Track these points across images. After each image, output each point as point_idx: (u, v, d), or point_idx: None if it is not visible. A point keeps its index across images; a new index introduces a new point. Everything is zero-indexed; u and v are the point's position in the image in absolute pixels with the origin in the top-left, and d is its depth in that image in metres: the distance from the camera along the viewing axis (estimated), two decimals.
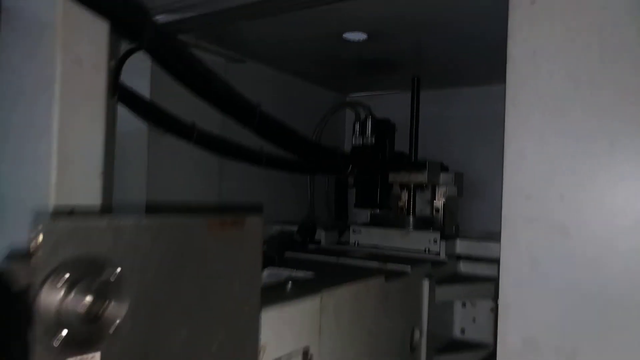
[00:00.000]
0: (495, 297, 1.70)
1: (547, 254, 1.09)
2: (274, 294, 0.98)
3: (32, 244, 0.48)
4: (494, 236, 1.21)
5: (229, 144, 1.59)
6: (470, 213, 2.45)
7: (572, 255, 1.06)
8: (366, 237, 2.04)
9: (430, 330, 1.63)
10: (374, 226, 2.10)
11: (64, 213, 0.73)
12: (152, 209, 1.60)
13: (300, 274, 1.29)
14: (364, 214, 2.33)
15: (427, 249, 1.90)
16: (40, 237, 0.48)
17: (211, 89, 1.26)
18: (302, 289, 1.07)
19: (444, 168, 2.24)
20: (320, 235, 2.08)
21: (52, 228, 0.49)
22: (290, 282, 1.08)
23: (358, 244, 2.03)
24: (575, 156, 1.07)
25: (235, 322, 0.73)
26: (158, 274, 0.60)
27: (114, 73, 1.04)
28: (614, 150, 1.03)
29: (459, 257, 1.93)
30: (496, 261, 1.87)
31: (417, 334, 1.57)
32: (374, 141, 2.19)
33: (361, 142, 2.18)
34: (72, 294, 0.51)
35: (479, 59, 2.12)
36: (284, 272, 1.30)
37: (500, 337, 1.14)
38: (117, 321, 0.55)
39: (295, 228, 1.98)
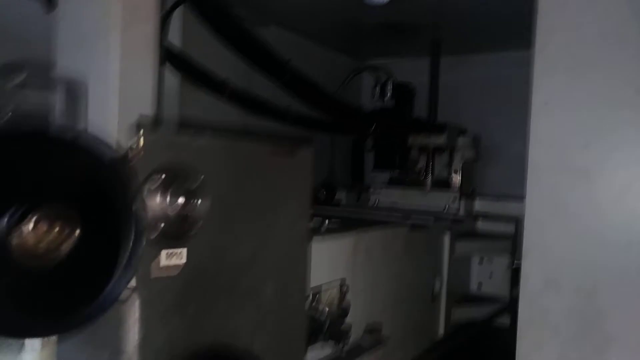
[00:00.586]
0: (512, 253, 1.77)
1: (570, 198, 1.15)
2: (311, 233, 1.05)
3: (134, 149, 0.55)
4: (509, 197, 1.25)
5: (259, 101, 1.65)
6: (484, 177, 2.50)
7: (594, 200, 1.12)
8: (386, 196, 2.10)
9: (449, 282, 1.70)
10: (393, 186, 2.16)
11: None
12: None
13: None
14: (380, 178, 2.37)
15: (446, 207, 1.97)
16: (141, 143, 0.55)
17: (247, 43, 1.31)
18: (336, 231, 1.14)
19: (463, 131, 2.28)
20: (341, 195, 2.14)
21: (152, 137, 0.56)
22: (326, 222, 1.15)
23: (378, 202, 2.09)
24: (600, 105, 1.12)
25: (290, 241, 0.80)
26: (229, 187, 0.67)
27: (162, 25, 1.09)
28: (638, 101, 1.08)
29: (477, 216, 2.00)
30: (513, 219, 1.94)
31: (437, 284, 1.65)
32: (393, 104, 2.23)
33: (381, 106, 2.23)
34: (166, 196, 0.58)
35: (499, 23, 2.14)
36: (315, 219, 1.36)
37: (523, 278, 1.21)
38: (200, 222, 0.62)
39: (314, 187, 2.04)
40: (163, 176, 0.57)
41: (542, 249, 1.17)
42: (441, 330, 1.70)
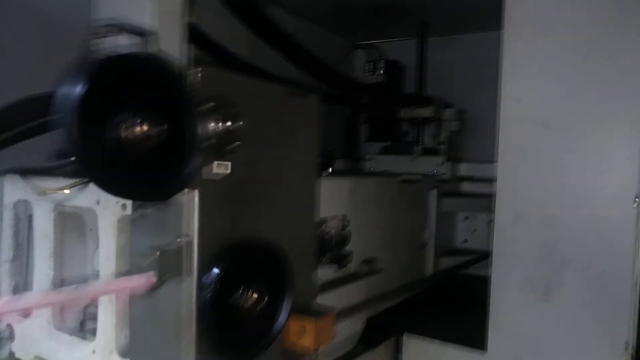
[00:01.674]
0: (493, 210, 2.00)
1: (533, 146, 1.36)
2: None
3: (192, 81, 0.75)
4: (491, 162, 1.45)
5: (264, 72, 1.84)
6: (471, 146, 2.70)
7: (553, 146, 1.34)
8: (380, 163, 2.31)
9: (437, 234, 1.92)
10: (386, 155, 2.37)
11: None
12: None
13: None
14: (374, 148, 2.57)
15: (434, 171, 2.18)
16: (199, 77, 0.75)
17: (256, 16, 1.50)
18: (339, 174, 1.35)
19: (448, 105, 2.49)
20: (339, 164, 2.35)
21: (206, 72, 0.76)
22: (329, 170, 1.35)
23: (373, 169, 2.30)
24: (559, 66, 1.34)
25: (303, 169, 1.01)
26: (257, 117, 0.88)
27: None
28: (587, 60, 1.29)
29: (461, 178, 2.22)
30: (494, 180, 2.15)
31: (426, 234, 1.87)
32: (385, 80, 2.44)
33: (373, 81, 2.43)
34: (216, 118, 0.78)
35: (484, 5, 2.33)
36: None
37: (496, 215, 1.43)
38: (238, 142, 0.82)
39: None
40: (212, 103, 0.77)
41: (511, 189, 1.39)
42: (430, 271, 1.92)
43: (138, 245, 0.84)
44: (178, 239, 0.79)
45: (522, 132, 1.37)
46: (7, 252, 1.14)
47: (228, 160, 0.82)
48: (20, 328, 1.13)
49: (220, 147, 0.80)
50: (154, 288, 0.73)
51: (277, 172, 0.94)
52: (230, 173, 0.83)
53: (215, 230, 0.81)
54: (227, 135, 0.80)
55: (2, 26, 1.44)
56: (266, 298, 0.87)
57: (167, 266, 0.74)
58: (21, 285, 1.16)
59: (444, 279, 1.98)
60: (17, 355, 1.13)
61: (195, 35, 1.61)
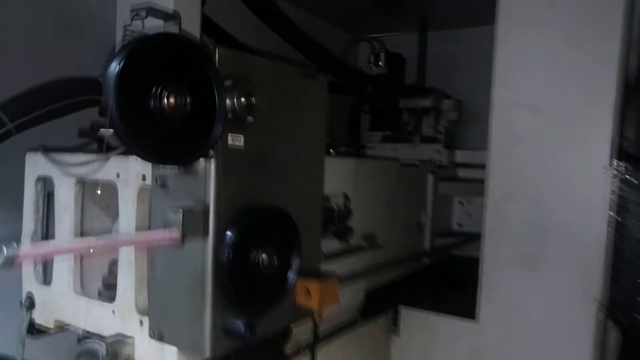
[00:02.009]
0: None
1: (524, 129, 1.46)
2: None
3: (215, 59, 0.84)
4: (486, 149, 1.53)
5: (274, 57, 1.93)
6: (468, 138, 2.79)
7: (541, 130, 1.43)
8: (380, 151, 2.40)
9: (434, 217, 2.01)
10: (386, 143, 2.46)
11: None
12: None
13: None
14: (375, 137, 2.66)
15: (432, 159, 2.27)
16: (217, 57, 0.84)
17: (261, 2, 1.58)
18: (342, 155, 1.44)
19: (447, 96, 2.58)
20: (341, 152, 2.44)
21: (224, 52, 0.85)
22: (332, 151, 1.44)
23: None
24: (548, 56, 1.43)
25: (312, 146, 1.10)
26: (270, 95, 0.96)
27: None
28: (573, 50, 1.38)
29: (458, 165, 2.31)
30: None
31: (423, 217, 1.96)
32: (387, 71, 2.52)
33: (375, 72, 2.52)
34: (233, 94, 0.87)
35: (481, 0, 2.42)
36: None
37: (488, 193, 1.52)
38: (253, 117, 0.91)
39: None
40: (230, 81, 0.86)
41: (501, 169, 1.49)
42: (426, 258, 2.01)
43: (159, 211, 0.93)
44: (197, 204, 0.88)
45: (513, 117, 1.46)
46: (29, 226, 1.24)
47: (242, 134, 0.91)
48: (41, 296, 1.22)
49: (236, 121, 0.89)
50: (176, 244, 0.82)
51: (288, 147, 1.03)
52: (245, 146, 0.92)
53: (230, 196, 0.90)
54: (242, 111, 0.89)
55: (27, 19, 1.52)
56: (277, 260, 0.96)
57: (189, 225, 0.83)
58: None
59: (440, 258, 2.07)
60: (37, 321, 1.23)
61: (206, 25, 1.70)
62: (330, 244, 1.34)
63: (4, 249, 0.57)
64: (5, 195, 1.38)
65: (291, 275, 0.99)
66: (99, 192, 1.11)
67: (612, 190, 1.16)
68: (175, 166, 0.89)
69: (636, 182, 0.96)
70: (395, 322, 1.72)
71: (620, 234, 1.01)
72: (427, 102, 2.46)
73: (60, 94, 1.25)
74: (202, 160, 0.87)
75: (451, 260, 2.21)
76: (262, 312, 0.97)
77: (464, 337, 1.59)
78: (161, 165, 0.91)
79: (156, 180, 0.93)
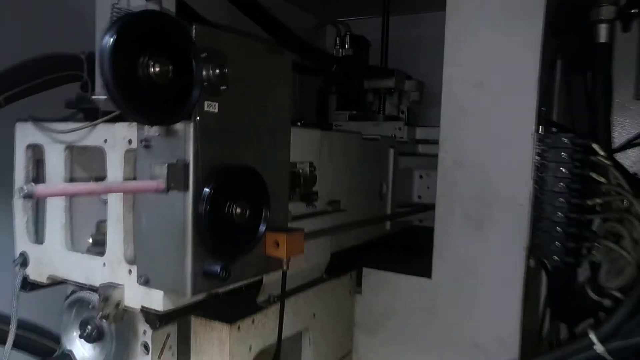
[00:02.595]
0: None
1: (470, 103, 1.63)
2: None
3: (192, 34, 0.96)
4: None
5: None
6: (429, 118, 2.97)
7: (485, 103, 1.60)
8: (346, 129, 2.55)
9: (395, 188, 2.18)
10: (352, 121, 2.61)
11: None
12: None
13: None
14: (342, 117, 2.81)
15: (394, 135, 2.43)
16: (194, 32, 0.97)
17: None
18: (308, 126, 1.58)
19: (409, 77, 2.74)
20: None
21: (200, 28, 0.98)
22: (300, 122, 1.58)
23: None
24: (492, 35, 1.59)
25: (278, 115, 1.23)
26: (240, 67, 1.09)
27: None
28: (512, 29, 1.54)
29: (418, 141, 2.48)
30: None
31: (384, 187, 2.13)
32: (351, 53, 2.66)
33: (341, 54, 2.66)
34: (208, 66, 1.00)
35: None
36: None
37: (440, 162, 1.69)
38: (226, 86, 1.04)
39: None
40: (206, 54, 0.99)
41: (451, 139, 1.65)
42: (388, 226, 2.19)
43: (144, 169, 1.05)
44: (178, 162, 1.01)
45: (461, 91, 1.63)
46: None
47: (217, 101, 1.04)
48: (34, 253, 1.33)
49: (210, 89, 1.02)
50: (161, 193, 0.95)
51: (257, 114, 1.16)
52: (219, 111, 1.05)
53: (206, 155, 1.03)
54: (216, 80, 1.02)
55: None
56: (248, 212, 1.10)
57: (173, 177, 0.96)
58: (31, 218, 1.36)
59: (400, 228, 2.25)
60: (31, 277, 1.34)
61: (180, 6, 1.80)
62: (297, 207, 1.48)
63: (26, 186, 0.70)
64: None
65: (261, 226, 1.14)
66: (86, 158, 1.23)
67: (536, 152, 1.33)
68: (158, 129, 1.01)
69: (552, 143, 1.13)
70: (358, 282, 1.88)
71: (541, 188, 1.18)
72: (389, 83, 2.61)
73: (45, 69, 1.36)
74: (181, 123, 1.00)
75: (411, 229, 2.39)
76: (237, 258, 1.11)
77: (421, 294, 1.76)
78: (145, 128, 1.03)
79: (141, 142, 1.05)
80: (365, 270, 1.87)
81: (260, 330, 1.35)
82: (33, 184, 0.72)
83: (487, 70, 1.55)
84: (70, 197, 1.29)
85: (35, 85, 1.35)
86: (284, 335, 1.34)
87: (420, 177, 2.45)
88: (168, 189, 0.95)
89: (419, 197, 2.46)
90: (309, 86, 2.91)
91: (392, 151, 2.15)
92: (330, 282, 1.70)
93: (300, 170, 1.44)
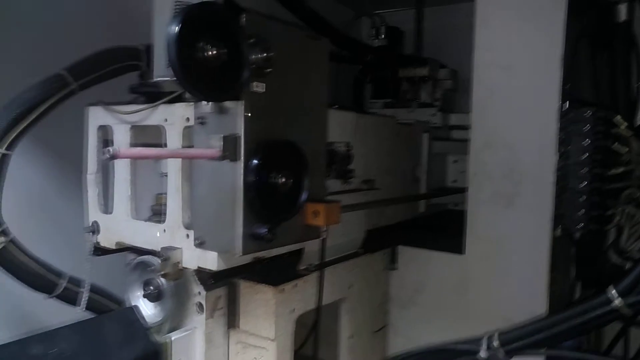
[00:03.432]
0: None
1: (499, 86, 1.70)
2: None
3: (242, 22, 1.09)
4: None
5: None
6: (463, 105, 3.02)
7: (514, 86, 1.67)
8: None
9: (429, 172, 2.27)
10: (387, 109, 2.70)
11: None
12: None
13: None
14: (377, 105, 2.89)
15: (428, 121, 2.52)
16: (243, 21, 1.10)
17: None
18: (343, 109, 1.69)
19: (443, 65, 2.80)
20: None
21: (247, 17, 1.11)
22: (336, 106, 1.69)
23: None
24: (518, 20, 1.66)
25: (317, 97, 1.35)
26: (282, 52, 1.22)
27: None
28: (542, 19, 1.60)
29: (452, 127, 2.55)
30: None
31: (418, 170, 2.22)
32: (386, 44, 2.76)
33: (376, 44, 2.76)
34: (256, 50, 1.13)
35: None
36: None
37: (471, 143, 1.77)
38: (271, 68, 1.17)
39: None
40: (253, 39, 1.12)
41: (481, 121, 1.73)
42: (422, 208, 2.27)
43: (200, 143, 1.19)
44: (230, 136, 1.14)
45: (491, 74, 1.70)
46: (93, 166, 1.51)
47: (263, 82, 1.17)
48: (104, 222, 1.50)
49: (258, 71, 1.15)
50: (216, 160, 1.09)
51: (297, 94, 1.28)
52: (265, 91, 1.18)
53: (254, 130, 1.16)
54: (262, 63, 1.15)
55: None
56: (291, 181, 1.22)
57: (227, 147, 1.10)
58: (101, 192, 1.54)
59: (435, 211, 2.33)
60: (102, 244, 1.51)
61: None
62: (333, 184, 1.60)
63: (111, 148, 0.85)
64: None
65: (302, 194, 1.26)
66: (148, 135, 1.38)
67: (561, 127, 1.39)
68: (212, 106, 1.15)
69: (576, 118, 1.18)
70: (393, 259, 1.98)
71: (566, 161, 1.24)
72: (423, 71, 2.69)
73: (111, 59, 1.52)
74: (233, 101, 1.14)
75: (446, 213, 2.47)
76: (281, 223, 1.23)
77: (453, 269, 1.85)
78: (201, 106, 1.17)
79: (197, 119, 1.19)
80: (400, 248, 1.97)
81: (301, 295, 1.48)
82: (116, 147, 0.86)
83: (514, 53, 1.63)
84: (135, 171, 1.45)
85: (103, 74, 1.52)
86: (322, 302, 1.47)
87: (455, 161, 2.52)
88: (222, 157, 1.09)
89: (454, 181, 2.53)
90: (345, 77, 3.02)
91: (426, 135, 2.23)
92: (365, 257, 1.81)
93: (337, 149, 1.55)
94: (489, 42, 1.70)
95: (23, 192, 1.75)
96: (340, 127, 1.61)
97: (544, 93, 1.51)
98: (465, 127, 2.52)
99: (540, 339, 0.99)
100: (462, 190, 2.29)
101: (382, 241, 1.92)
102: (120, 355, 1.25)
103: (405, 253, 1.96)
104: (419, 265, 1.93)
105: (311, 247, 1.50)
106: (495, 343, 1.02)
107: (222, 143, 1.08)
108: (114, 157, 0.85)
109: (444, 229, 2.15)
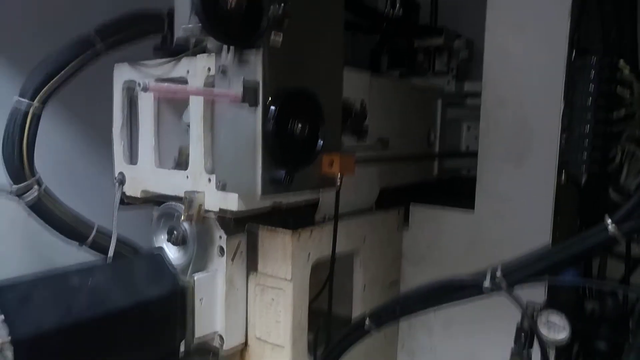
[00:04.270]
0: None
1: (511, 43, 1.74)
2: None
3: None
4: None
5: None
6: (479, 76, 3.04)
7: (526, 44, 1.70)
8: None
9: (442, 137, 2.31)
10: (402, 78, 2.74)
11: None
12: None
13: None
14: (393, 75, 2.93)
15: (442, 89, 2.55)
16: None
17: None
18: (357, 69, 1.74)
19: (458, 35, 2.82)
20: None
21: None
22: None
23: None
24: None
25: (334, 53, 1.41)
26: (300, 7, 1.27)
27: None
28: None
29: (466, 95, 2.58)
30: None
31: (432, 135, 2.27)
32: (401, 14, 2.78)
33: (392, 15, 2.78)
34: (277, 7, 1.19)
35: None
36: None
37: (483, 102, 1.81)
38: (287, 20, 1.23)
39: None
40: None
41: (493, 81, 1.77)
42: (435, 171, 2.33)
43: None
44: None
45: (503, 35, 1.74)
46: (119, 121, 1.60)
47: (281, 32, 1.23)
48: (129, 173, 1.59)
49: (276, 22, 1.21)
50: (238, 102, 1.16)
51: (314, 46, 1.34)
52: (283, 41, 1.24)
53: (273, 78, 1.23)
54: (280, 15, 1.21)
55: None
56: (308, 129, 1.29)
57: (247, 92, 1.17)
58: (127, 144, 1.63)
59: (448, 176, 2.38)
60: (127, 193, 1.61)
61: None
62: (348, 141, 1.66)
63: (142, 81, 0.92)
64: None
65: (319, 141, 1.33)
66: None
67: (568, 75, 1.42)
68: (233, 56, 1.22)
69: (581, 65, 1.21)
70: (406, 218, 2.05)
71: (571, 109, 1.27)
72: (439, 41, 2.72)
73: (136, 23, 1.60)
74: (252, 51, 1.20)
75: (458, 179, 2.51)
76: (298, 168, 1.30)
77: (465, 227, 1.91)
78: (222, 57, 1.24)
79: (219, 69, 1.26)
80: (412, 208, 2.03)
81: (317, 242, 1.55)
82: (147, 80, 0.94)
83: (523, 10, 1.66)
84: (159, 123, 1.53)
85: (128, 36, 1.60)
86: (337, 251, 1.54)
87: (468, 128, 2.56)
88: (243, 99, 1.16)
89: (467, 147, 2.57)
90: (361, 49, 3.06)
91: (439, 101, 2.28)
92: (379, 214, 1.88)
93: (352, 105, 1.61)
94: (501, 2, 1.73)
95: (49, 157, 1.85)
96: (355, 85, 1.67)
97: (554, 47, 1.53)
98: (479, 94, 2.56)
99: (542, 268, 1.05)
100: (475, 154, 2.35)
101: (395, 200, 1.98)
102: (149, 292, 1.34)
103: (418, 212, 2.02)
104: (431, 223, 1.99)
105: (326, 198, 1.57)
106: (499, 274, 1.08)
107: (243, 87, 1.15)
108: (145, 89, 0.93)
109: (456, 194, 2.20)
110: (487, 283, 1.10)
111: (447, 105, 2.35)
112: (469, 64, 2.88)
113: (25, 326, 1.06)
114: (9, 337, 1.02)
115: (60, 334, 1.12)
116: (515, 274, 1.07)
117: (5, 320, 1.04)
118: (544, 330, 1.19)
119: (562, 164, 1.28)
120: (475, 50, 2.89)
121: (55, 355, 1.12)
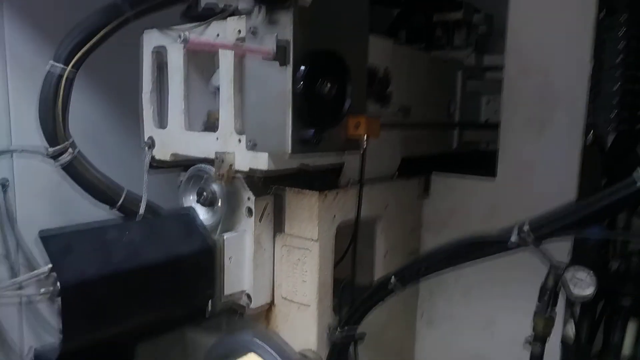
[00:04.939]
0: None
1: (535, 14, 1.73)
2: None
3: None
4: None
5: None
6: (498, 51, 3.03)
7: (547, 11, 1.70)
8: None
9: (462, 110, 2.32)
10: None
11: None
12: None
13: None
14: None
15: (463, 61, 2.55)
16: None
17: None
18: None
19: (477, 10, 2.81)
20: None
21: None
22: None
23: None
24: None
25: (356, 21, 1.42)
26: None
27: None
28: None
29: (486, 68, 2.58)
30: None
31: (452, 106, 2.28)
32: None
33: None
34: None
35: None
36: None
37: (506, 71, 1.82)
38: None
39: None
40: None
41: (517, 52, 1.78)
42: (454, 143, 2.34)
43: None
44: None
45: (528, 3, 1.74)
46: (148, 86, 1.64)
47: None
48: (159, 137, 1.63)
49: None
50: (270, 59, 1.18)
51: (340, 11, 1.36)
52: (311, 3, 1.26)
53: (302, 39, 1.25)
54: None
55: None
56: (336, 89, 1.32)
57: (279, 49, 1.19)
58: (156, 109, 1.66)
59: (467, 149, 2.40)
60: (157, 157, 1.65)
61: None
62: (372, 107, 1.69)
63: (182, 34, 0.96)
64: None
65: (346, 102, 1.35)
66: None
67: (596, 36, 1.42)
68: (264, 17, 1.24)
69: (610, 24, 1.22)
70: (426, 188, 2.07)
71: (599, 68, 1.28)
72: (458, 15, 2.71)
73: None
74: (282, 12, 1.23)
75: (478, 152, 2.53)
76: (326, 128, 1.33)
77: (486, 194, 1.92)
78: (252, 18, 1.27)
79: (249, 29, 1.29)
80: (433, 177, 2.05)
81: (341, 204, 1.58)
82: (187, 33, 0.97)
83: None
84: (188, 86, 1.56)
85: (156, 4, 1.63)
86: (360, 214, 1.57)
87: (488, 101, 2.56)
88: (275, 56, 1.19)
89: (487, 120, 2.58)
90: (380, 23, 3.06)
91: (460, 73, 2.29)
92: (400, 182, 1.91)
93: (376, 70, 1.63)
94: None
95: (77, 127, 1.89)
96: (379, 52, 1.68)
97: (580, 9, 1.54)
98: (499, 68, 2.55)
99: (570, 223, 1.06)
100: (495, 127, 2.36)
101: (416, 169, 2.00)
102: (180, 248, 1.39)
103: (439, 182, 2.04)
104: (452, 191, 2.01)
105: (351, 164, 1.60)
106: (526, 228, 1.11)
107: (275, 44, 1.18)
108: (185, 41, 0.96)
109: (475, 164, 2.22)
110: (514, 237, 1.12)
111: (467, 78, 2.35)
112: (488, 39, 2.88)
113: (70, 274, 1.11)
114: (58, 284, 1.07)
115: (100, 282, 1.17)
116: (543, 229, 1.09)
117: (54, 269, 1.09)
118: (570, 287, 1.21)
119: (589, 126, 1.30)
120: (494, 25, 2.88)
121: (96, 302, 1.17)
